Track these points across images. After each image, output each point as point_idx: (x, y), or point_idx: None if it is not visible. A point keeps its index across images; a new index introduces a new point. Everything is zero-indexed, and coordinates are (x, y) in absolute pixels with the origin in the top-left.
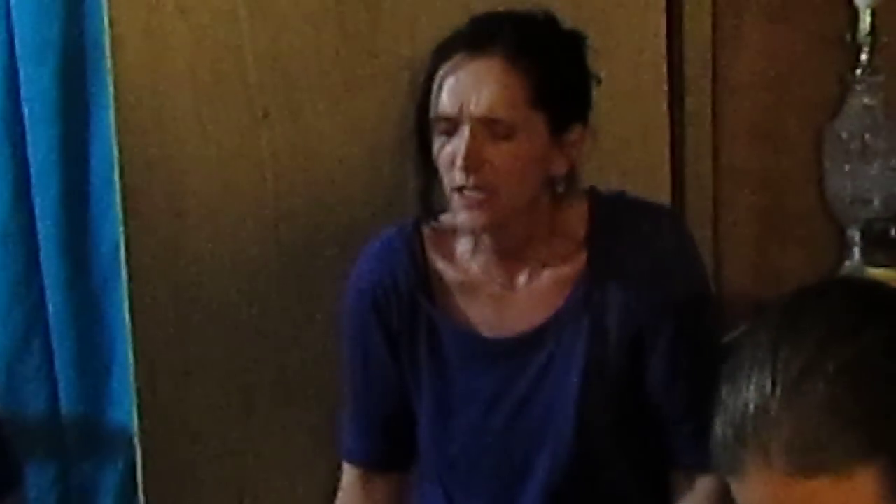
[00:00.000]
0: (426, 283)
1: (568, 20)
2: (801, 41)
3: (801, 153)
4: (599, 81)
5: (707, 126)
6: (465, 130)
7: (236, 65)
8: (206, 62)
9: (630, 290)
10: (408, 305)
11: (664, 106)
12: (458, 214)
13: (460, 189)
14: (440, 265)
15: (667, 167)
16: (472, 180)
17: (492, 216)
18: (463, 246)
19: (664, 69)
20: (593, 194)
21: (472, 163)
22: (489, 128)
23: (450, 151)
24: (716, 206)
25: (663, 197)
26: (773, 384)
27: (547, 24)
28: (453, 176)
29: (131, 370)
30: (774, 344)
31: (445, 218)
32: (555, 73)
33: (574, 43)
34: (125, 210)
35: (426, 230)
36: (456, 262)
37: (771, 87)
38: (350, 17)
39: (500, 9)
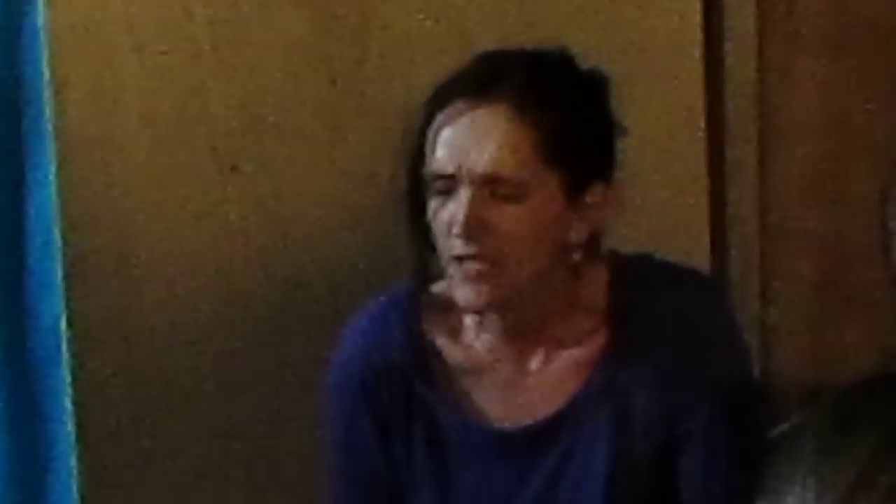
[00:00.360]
0: (423, 363)
1: (588, 58)
2: (864, 77)
3: (865, 212)
4: (625, 132)
5: (753, 180)
6: (465, 191)
7: (200, 109)
8: (165, 106)
9: (659, 373)
10: (402, 389)
11: (702, 156)
12: (456, 289)
13: (459, 259)
14: (440, 342)
15: (706, 228)
16: (472, 250)
17: (496, 292)
18: (467, 321)
19: (702, 113)
20: (614, 258)
21: (473, 230)
22: (493, 189)
23: (447, 215)
24: (763, 275)
25: (702, 264)
26: (819, 501)
27: (562, 64)
28: (451, 244)
29: (74, 466)
30: (821, 452)
31: (445, 287)
32: (571, 124)
33: (594, 87)
34: (68, 278)
35: (424, 300)
36: (459, 339)
37: (828, 133)
38: (335, 53)
39: (508, 47)
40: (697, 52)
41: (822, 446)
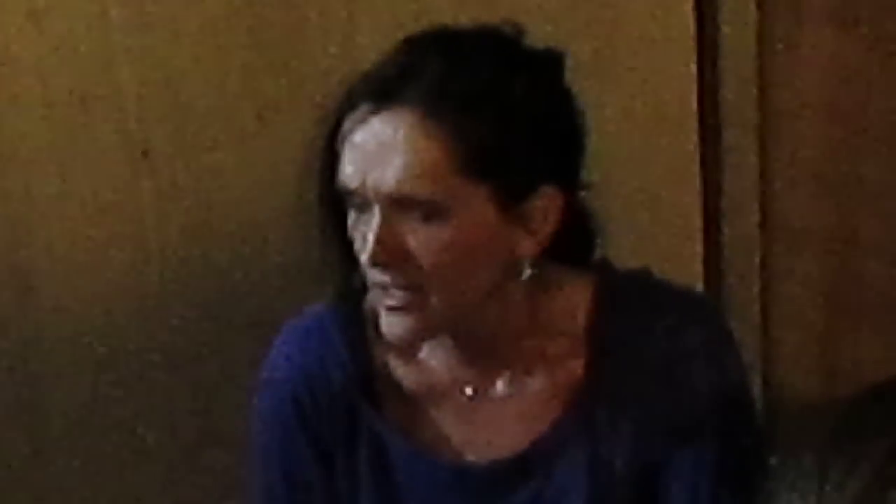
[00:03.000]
0: (369, 384)
1: (563, 30)
2: (878, 52)
3: (879, 205)
4: (584, 119)
5: (752, 169)
6: (375, 213)
7: (106, 86)
8: (66, 83)
9: (643, 403)
10: (344, 413)
11: (694, 143)
12: (379, 318)
13: (380, 287)
14: (390, 361)
15: (698, 224)
16: (389, 278)
17: (422, 323)
18: None
19: (694, 93)
20: (604, 274)
21: (385, 257)
22: (407, 208)
23: (361, 234)
24: (764, 278)
25: (693, 265)
26: None
27: (499, 49)
28: (367, 269)
29: None
30: (822, 465)
31: None
32: (501, 128)
33: (542, 73)
34: None
35: (369, 309)
36: (411, 357)
37: (837, 116)
38: (263, 20)
39: (437, 28)
40: (689, 22)
41: (822, 458)
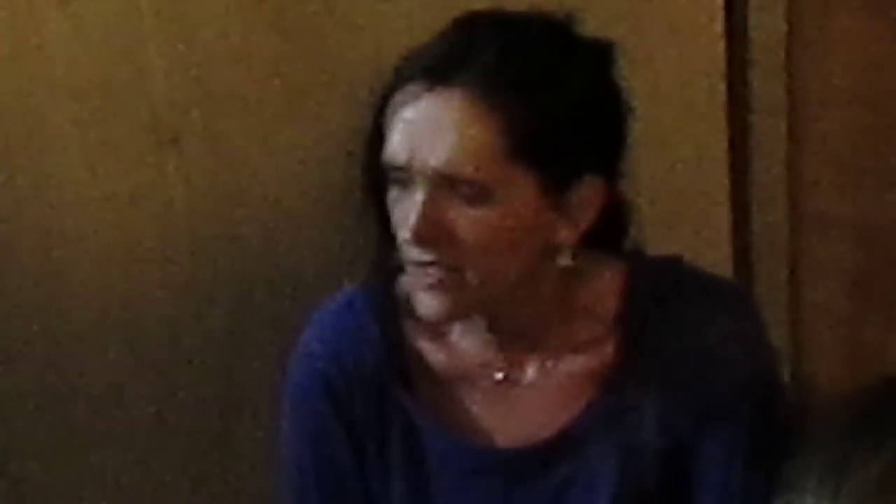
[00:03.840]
0: (401, 366)
1: (594, 15)
2: None
3: None
4: (632, 111)
5: (781, 159)
6: (419, 190)
7: (136, 72)
8: (95, 69)
9: (674, 390)
10: (376, 394)
11: (723, 130)
12: (414, 297)
13: (416, 264)
14: (421, 343)
15: (727, 214)
16: (428, 257)
17: (458, 303)
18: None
19: (723, 79)
20: (635, 260)
21: (426, 236)
22: (452, 188)
23: (401, 213)
24: (794, 268)
25: (721, 254)
26: None
27: (552, 36)
28: (406, 247)
29: None
30: (841, 459)
31: None
32: (552, 114)
33: (594, 63)
34: None
35: (403, 294)
36: (443, 340)
37: (868, 103)
38: (292, 8)
39: (489, 11)
40: (718, 9)
41: (841, 451)
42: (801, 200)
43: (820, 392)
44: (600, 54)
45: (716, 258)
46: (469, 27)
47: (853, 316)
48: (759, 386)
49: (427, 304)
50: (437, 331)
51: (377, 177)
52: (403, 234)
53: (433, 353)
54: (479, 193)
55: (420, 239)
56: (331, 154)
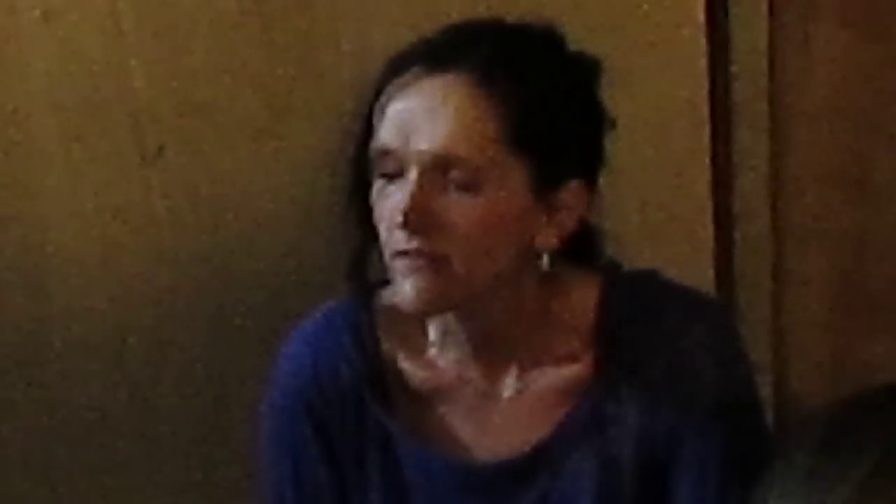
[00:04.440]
0: (379, 383)
1: (576, 26)
2: (889, 52)
3: (891, 206)
4: (614, 125)
5: (763, 170)
6: (412, 175)
7: (119, 86)
8: (78, 83)
9: (650, 402)
10: (354, 410)
11: (705, 142)
12: (399, 288)
13: (402, 254)
14: (399, 358)
15: (709, 224)
16: (415, 244)
17: (442, 293)
18: (430, 335)
19: (705, 91)
20: (610, 272)
21: (417, 221)
22: (445, 173)
23: (390, 203)
24: (777, 279)
25: (704, 265)
26: None
27: (544, 41)
28: (393, 236)
29: None
30: (809, 474)
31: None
32: (546, 105)
33: (580, 72)
34: None
35: (379, 309)
36: (420, 355)
37: (850, 115)
38: (276, 18)
39: (483, 19)
40: (700, 18)
41: (810, 466)
42: (783, 212)
43: (802, 403)
44: (589, 66)
45: (699, 269)
46: (467, 26)
47: (836, 326)
48: (734, 398)
49: (409, 292)
50: (414, 347)
51: (363, 172)
52: (396, 219)
53: (411, 368)
54: (471, 179)
55: (411, 224)
56: (315, 167)
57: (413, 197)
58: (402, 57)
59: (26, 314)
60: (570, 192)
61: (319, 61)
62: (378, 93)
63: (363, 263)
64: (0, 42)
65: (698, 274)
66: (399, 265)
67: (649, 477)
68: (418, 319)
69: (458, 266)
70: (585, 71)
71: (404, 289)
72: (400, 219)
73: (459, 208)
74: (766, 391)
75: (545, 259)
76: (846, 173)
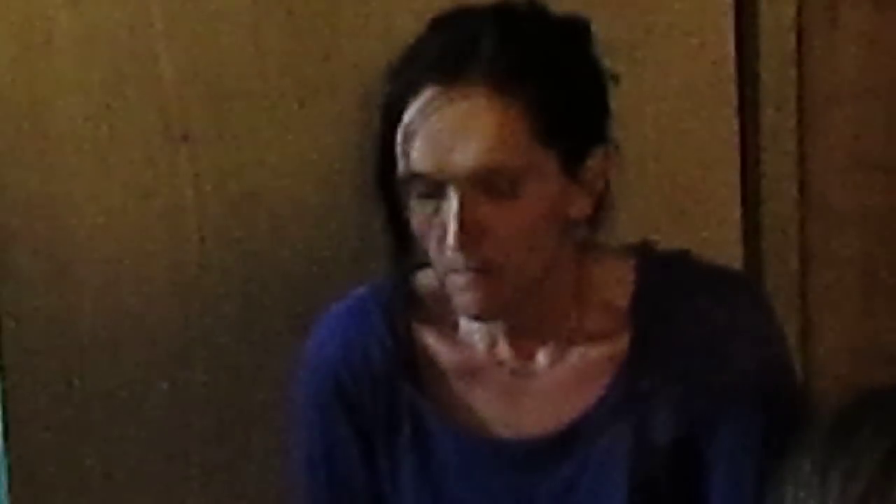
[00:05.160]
0: (411, 364)
1: (602, 13)
2: None
3: None
4: (617, 80)
5: (792, 151)
6: (453, 196)
7: (146, 71)
8: (105, 67)
9: (684, 380)
10: (386, 392)
11: (733, 123)
12: (458, 301)
13: (456, 271)
14: (431, 340)
15: (737, 205)
16: (471, 262)
17: (501, 299)
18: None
19: (733, 73)
20: (644, 253)
21: (470, 239)
22: (484, 185)
23: (435, 226)
24: (804, 260)
25: (732, 246)
26: None
27: (536, 18)
28: (444, 257)
29: (3, 483)
30: (823, 467)
31: (433, 277)
32: (560, 89)
33: (575, 36)
34: None
35: (412, 292)
36: (451, 336)
37: (878, 97)
38: (304, 6)
39: (471, 5)
40: (728, 2)
41: (823, 459)
42: (810, 192)
43: (829, 383)
44: (580, 29)
45: (726, 250)
46: (459, 23)
47: (862, 306)
48: (769, 375)
49: (470, 303)
50: (445, 327)
51: (391, 187)
52: (447, 242)
53: (443, 349)
54: (510, 184)
55: (463, 244)
56: (342, 151)
57: (459, 219)
58: (412, 73)
59: (53, 298)
60: (596, 160)
61: (346, 46)
62: (395, 116)
63: (402, 259)
64: (27, 25)
65: (726, 255)
66: (455, 281)
67: (683, 458)
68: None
69: (511, 269)
70: (580, 34)
71: (464, 300)
72: (452, 242)
73: (504, 215)
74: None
75: (583, 227)
76: (874, 154)
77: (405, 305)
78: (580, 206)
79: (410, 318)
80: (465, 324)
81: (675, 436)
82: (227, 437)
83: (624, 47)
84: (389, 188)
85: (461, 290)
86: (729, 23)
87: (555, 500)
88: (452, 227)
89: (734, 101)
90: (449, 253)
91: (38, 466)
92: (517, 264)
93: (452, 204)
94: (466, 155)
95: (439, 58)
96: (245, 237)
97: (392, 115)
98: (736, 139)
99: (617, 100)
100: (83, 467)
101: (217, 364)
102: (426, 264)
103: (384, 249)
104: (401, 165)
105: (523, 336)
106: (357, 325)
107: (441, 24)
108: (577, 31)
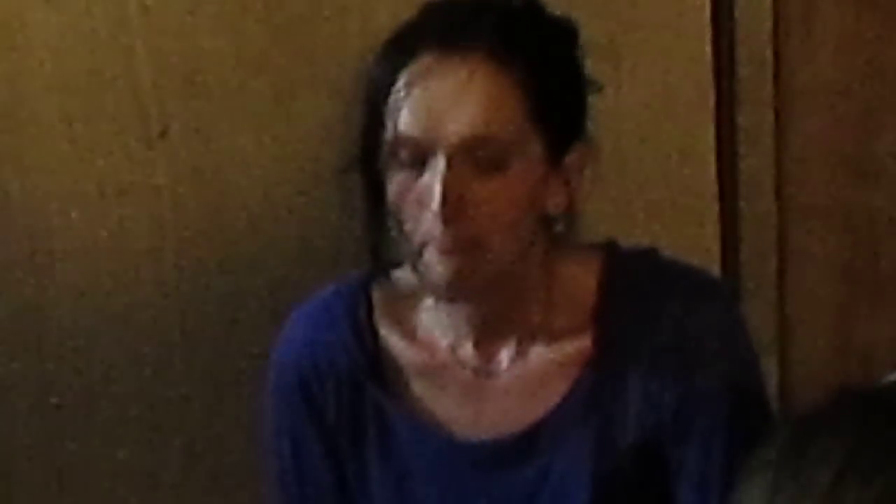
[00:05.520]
0: (375, 364)
1: (581, 9)
2: (892, 30)
3: (895, 183)
4: (600, 88)
5: (768, 147)
6: (440, 162)
7: (124, 66)
8: (82, 63)
9: (650, 380)
10: (350, 393)
11: (710, 122)
12: (432, 274)
13: (435, 240)
14: (395, 340)
15: (714, 204)
16: (451, 231)
17: (473, 278)
18: (426, 315)
19: (710, 71)
20: (611, 251)
21: (453, 208)
22: (473, 157)
23: (417, 192)
24: (781, 257)
25: (710, 245)
26: None
27: (532, 12)
28: (424, 226)
29: None
30: (772, 488)
31: (402, 277)
32: (552, 76)
33: (567, 37)
34: None
35: (376, 292)
36: (416, 336)
37: (854, 95)
38: (279, 3)
39: None
40: (705, 1)
41: (772, 481)
42: (788, 191)
43: (807, 381)
44: (570, 31)
45: (704, 249)
46: (457, 2)
47: (841, 306)
48: (736, 376)
49: (446, 275)
50: (408, 328)
51: (375, 160)
52: (430, 208)
53: (406, 350)
54: (497, 158)
55: (446, 212)
56: (319, 148)
57: (447, 184)
58: (410, 39)
59: (30, 295)
60: (577, 154)
61: (324, 41)
62: (388, 78)
63: (379, 247)
64: (4, 22)
65: (704, 253)
66: (433, 251)
67: (650, 457)
68: (448, 302)
69: (490, 246)
70: (571, 36)
71: (438, 273)
72: (436, 208)
73: (489, 188)
74: (770, 369)
75: (559, 221)
76: (851, 151)
77: (370, 305)
78: (558, 200)
79: (375, 319)
80: (428, 323)
81: (640, 436)
82: (205, 432)
83: (601, 45)
84: (372, 165)
85: (434, 265)
86: (706, 21)
87: (520, 500)
88: (436, 195)
89: (711, 100)
90: (429, 221)
91: (14, 465)
92: (494, 245)
93: (439, 172)
94: (461, 121)
95: (440, 26)
96: (223, 232)
97: (384, 83)
98: (713, 138)
99: (595, 98)
100: (60, 465)
101: (195, 359)
102: (398, 264)
103: (363, 241)
104: (388, 130)
105: (487, 334)
106: (321, 326)
107: (438, 4)
108: (567, 31)
